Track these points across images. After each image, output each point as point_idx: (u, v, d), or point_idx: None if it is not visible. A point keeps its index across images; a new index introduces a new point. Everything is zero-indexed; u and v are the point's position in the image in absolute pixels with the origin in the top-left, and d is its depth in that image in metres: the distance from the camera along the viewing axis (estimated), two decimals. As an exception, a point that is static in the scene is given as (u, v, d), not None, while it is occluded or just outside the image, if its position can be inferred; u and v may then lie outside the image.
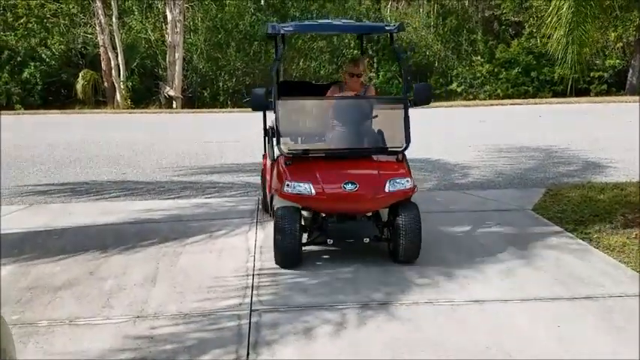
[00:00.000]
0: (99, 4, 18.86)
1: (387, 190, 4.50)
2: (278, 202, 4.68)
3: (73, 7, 20.47)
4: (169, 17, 19.16)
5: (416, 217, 4.50)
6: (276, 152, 4.93)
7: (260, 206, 6.20)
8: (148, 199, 7.05)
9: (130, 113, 17.08)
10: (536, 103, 17.30)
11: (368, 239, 4.58)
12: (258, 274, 4.46)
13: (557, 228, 5.55)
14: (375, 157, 4.85)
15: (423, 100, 4.88)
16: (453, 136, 11.18)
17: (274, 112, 4.84)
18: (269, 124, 5.50)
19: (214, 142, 10.42)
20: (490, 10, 24.77)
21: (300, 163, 4.72)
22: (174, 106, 19.39)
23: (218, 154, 9.69)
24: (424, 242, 4.54)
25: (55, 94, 19.88)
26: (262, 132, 5.70)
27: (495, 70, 21.36)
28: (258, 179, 6.73)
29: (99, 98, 19.89)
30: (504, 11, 22.92)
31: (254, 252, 5.02)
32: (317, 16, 21.33)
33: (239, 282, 4.31)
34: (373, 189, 4.54)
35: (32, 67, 18.98)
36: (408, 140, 4.77)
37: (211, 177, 8.13)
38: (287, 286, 4.25)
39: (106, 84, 19.81)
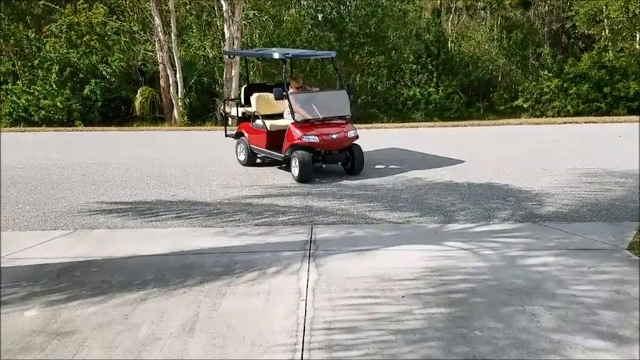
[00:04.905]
0: (158, 21, 18.96)
1: (348, 136, 8.86)
2: (297, 148, 8.72)
3: (134, 25, 20.74)
4: (227, 34, 19.04)
5: (360, 150, 9.03)
6: (269, 125, 9.24)
7: (246, 161, 9.93)
8: (195, 225, 6.60)
9: (185, 130, 16.93)
10: (613, 122, 15.92)
11: (340, 163, 9.16)
12: (310, 329, 3.85)
13: (662, 273, 4.71)
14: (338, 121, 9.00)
15: (351, 93, 9.27)
16: (525, 158, 10.22)
17: (288, 100, 8.71)
18: (242, 110, 10.13)
19: (266, 159, 9.96)
20: (558, 22, 23.48)
21: (305, 125, 8.71)
22: (229, 122, 19.19)
23: (271, 174, 9.22)
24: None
25: (114, 111, 20.06)
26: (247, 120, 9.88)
27: (565, 85, 20.01)
28: (312, 202, 7.54)
29: (156, 115, 19.96)
30: (577, 24, 21.58)
31: (305, 295, 4.45)
32: (376, 30, 20.73)
33: (287, 339, 3.72)
34: (344, 136, 8.82)
35: (93, 84, 19.21)
36: (350, 111, 9.12)
37: (262, 200, 7.61)
38: (341, 346, 3.62)
39: (164, 101, 19.88)
